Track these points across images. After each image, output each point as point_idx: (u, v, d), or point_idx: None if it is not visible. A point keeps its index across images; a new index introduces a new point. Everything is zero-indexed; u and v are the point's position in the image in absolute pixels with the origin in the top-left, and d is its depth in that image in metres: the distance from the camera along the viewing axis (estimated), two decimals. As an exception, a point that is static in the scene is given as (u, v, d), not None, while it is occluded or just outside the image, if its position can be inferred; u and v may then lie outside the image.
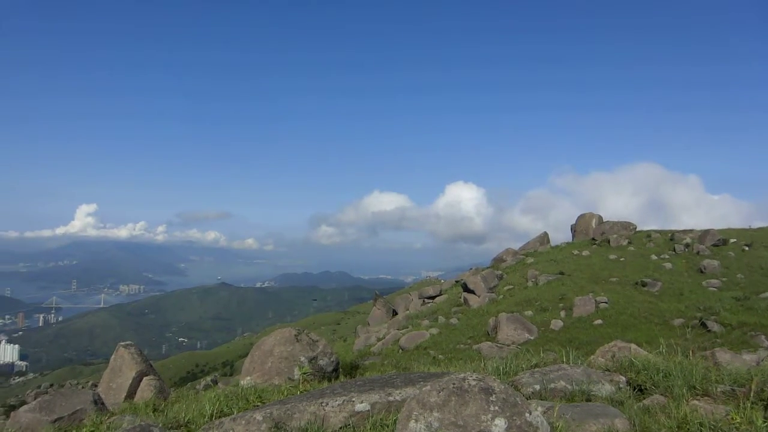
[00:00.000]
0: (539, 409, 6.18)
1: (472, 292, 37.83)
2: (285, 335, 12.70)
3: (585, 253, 43.76)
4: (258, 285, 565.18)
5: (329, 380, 12.36)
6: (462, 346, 26.68)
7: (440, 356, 24.78)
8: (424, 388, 6.00)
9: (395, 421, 6.65)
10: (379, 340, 34.63)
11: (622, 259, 40.26)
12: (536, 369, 8.87)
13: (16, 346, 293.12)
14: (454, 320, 32.96)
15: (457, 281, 47.28)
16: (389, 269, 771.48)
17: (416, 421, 5.78)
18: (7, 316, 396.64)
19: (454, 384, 5.88)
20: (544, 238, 54.26)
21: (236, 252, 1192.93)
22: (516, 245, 54.82)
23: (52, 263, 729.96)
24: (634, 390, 7.80)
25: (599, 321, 27.45)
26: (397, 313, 44.65)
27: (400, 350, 28.82)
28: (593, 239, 48.71)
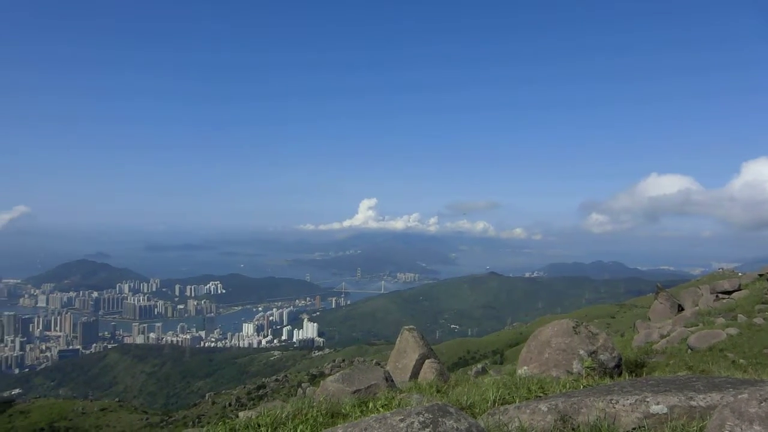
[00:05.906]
0: None
1: (782, 287, 32.03)
2: (563, 327, 12.32)
3: None
4: (527, 275, 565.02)
5: (611, 377, 11.61)
6: (771, 350, 22.71)
7: (741, 360, 21.39)
8: (740, 396, 5.23)
9: (701, 429, 5.93)
10: (662, 337, 31.51)
11: None
12: None
13: (315, 324, 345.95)
14: (758, 320, 28.23)
15: (761, 275, 40.44)
16: (671, 260, 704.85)
17: (731, 432, 5.07)
18: (307, 298, 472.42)
19: (781, 395, 5.01)
20: None
21: (504, 241, 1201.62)
22: None
23: (340, 252, 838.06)
24: None
25: None
26: (683, 309, 40.09)
27: (689, 350, 25.75)
28: None
